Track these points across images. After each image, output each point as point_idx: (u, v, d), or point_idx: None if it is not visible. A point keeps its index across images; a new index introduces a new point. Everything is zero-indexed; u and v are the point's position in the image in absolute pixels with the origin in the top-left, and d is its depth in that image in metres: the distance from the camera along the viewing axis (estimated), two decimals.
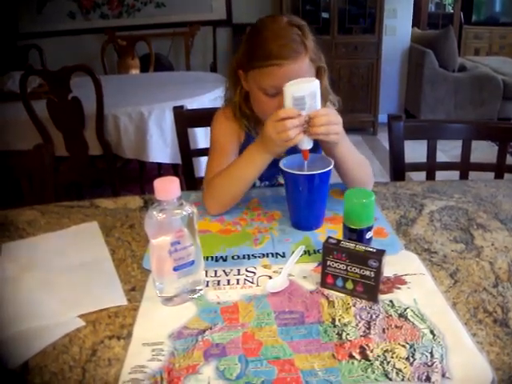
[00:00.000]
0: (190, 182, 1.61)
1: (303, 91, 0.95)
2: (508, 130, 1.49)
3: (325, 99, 1.11)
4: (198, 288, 0.83)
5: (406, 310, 0.77)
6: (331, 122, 0.97)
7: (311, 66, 1.06)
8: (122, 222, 1.10)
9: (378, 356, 0.68)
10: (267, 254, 0.95)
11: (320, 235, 1.00)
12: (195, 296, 0.82)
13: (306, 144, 0.99)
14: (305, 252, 0.94)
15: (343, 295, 0.81)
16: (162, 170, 3.28)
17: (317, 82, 0.96)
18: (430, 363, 0.66)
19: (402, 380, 0.64)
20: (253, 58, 1.05)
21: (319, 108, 0.98)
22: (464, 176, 1.52)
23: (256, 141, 1.05)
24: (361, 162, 1.15)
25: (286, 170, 0.99)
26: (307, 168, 1.00)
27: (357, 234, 0.89)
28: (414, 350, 0.69)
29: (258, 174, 1.08)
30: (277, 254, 0.95)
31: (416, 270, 0.88)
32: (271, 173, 1.23)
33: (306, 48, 1.04)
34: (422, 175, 1.54)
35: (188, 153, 1.60)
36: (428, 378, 0.64)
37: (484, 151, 1.90)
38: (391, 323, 0.74)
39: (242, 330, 0.74)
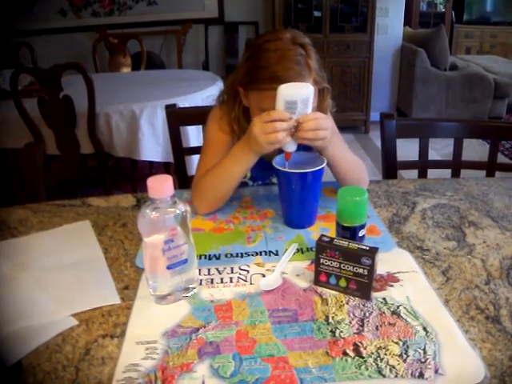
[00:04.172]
0: (183, 181, 1.61)
1: (296, 96, 0.93)
2: (499, 129, 1.50)
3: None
4: (191, 286, 0.83)
5: (398, 307, 0.78)
6: (320, 127, 0.95)
7: (315, 87, 1.01)
8: (115, 220, 1.10)
9: (372, 353, 0.68)
10: (260, 252, 0.95)
11: (313, 233, 1.01)
12: (189, 294, 0.82)
13: (291, 146, 0.99)
14: (298, 250, 0.95)
15: (336, 293, 0.82)
16: (153, 168, 3.27)
17: (311, 89, 0.95)
18: (423, 360, 0.67)
19: (396, 377, 0.64)
20: (255, 80, 1.02)
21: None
22: (456, 174, 1.53)
23: (241, 139, 1.03)
24: (353, 164, 1.14)
25: (278, 167, 0.99)
26: (300, 166, 1.00)
27: (350, 232, 0.90)
28: (407, 346, 0.69)
29: (244, 172, 1.07)
30: (270, 252, 0.95)
31: (409, 267, 0.89)
32: (265, 175, 1.22)
33: (310, 70, 1.02)
34: (414, 173, 1.55)
35: (180, 151, 1.60)
36: (421, 375, 0.64)
37: (475, 149, 1.92)
38: (384, 320, 0.75)
39: (236, 328, 0.74)
